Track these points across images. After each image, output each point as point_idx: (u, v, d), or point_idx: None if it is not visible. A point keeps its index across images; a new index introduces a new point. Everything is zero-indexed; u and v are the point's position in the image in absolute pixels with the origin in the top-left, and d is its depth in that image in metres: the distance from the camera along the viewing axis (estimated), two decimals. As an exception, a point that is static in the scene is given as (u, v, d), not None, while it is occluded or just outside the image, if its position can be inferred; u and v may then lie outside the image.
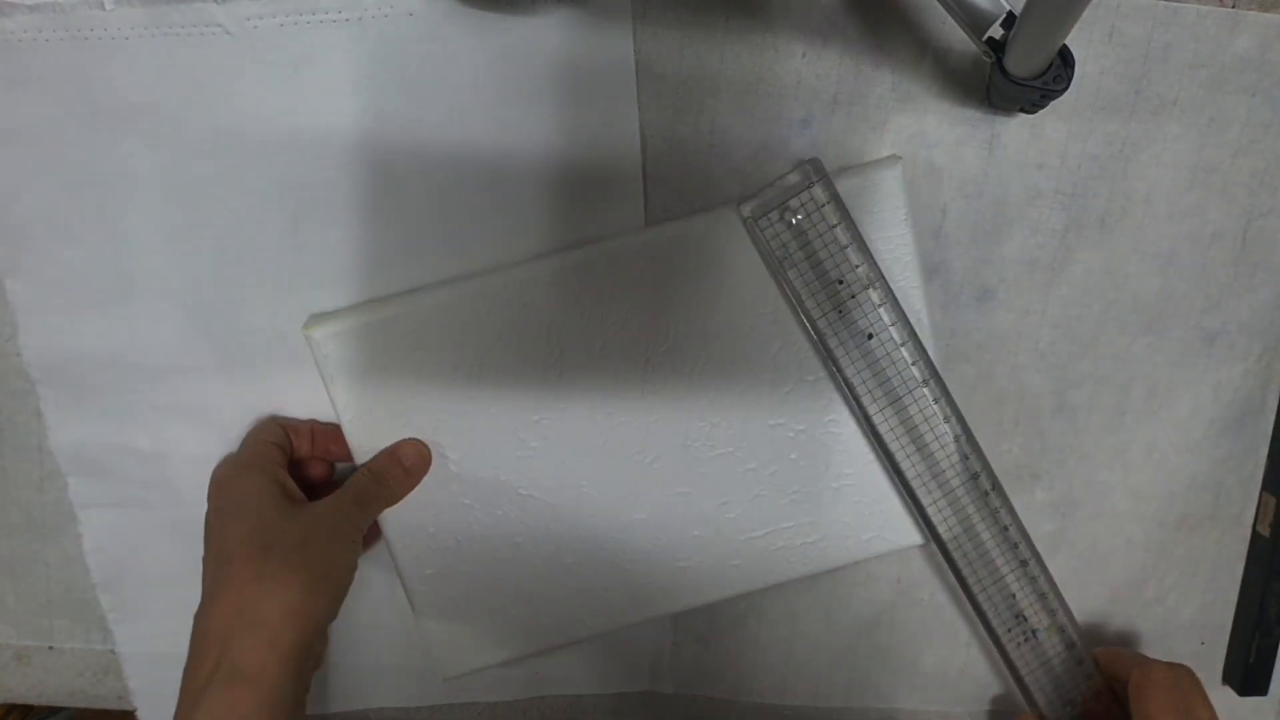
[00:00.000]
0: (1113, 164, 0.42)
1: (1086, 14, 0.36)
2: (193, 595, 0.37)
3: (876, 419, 0.41)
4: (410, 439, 0.41)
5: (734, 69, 0.40)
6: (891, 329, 0.40)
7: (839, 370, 0.40)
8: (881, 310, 0.40)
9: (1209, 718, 0.39)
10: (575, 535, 0.43)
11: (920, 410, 0.41)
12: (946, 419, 0.41)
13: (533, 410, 0.41)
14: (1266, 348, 0.44)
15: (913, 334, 0.40)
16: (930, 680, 0.47)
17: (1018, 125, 0.41)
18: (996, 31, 0.36)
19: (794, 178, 0.39)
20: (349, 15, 0.38)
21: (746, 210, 0.39)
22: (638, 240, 0.40)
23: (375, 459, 0.41)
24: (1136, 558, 0.46)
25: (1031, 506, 0.45)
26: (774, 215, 0.39)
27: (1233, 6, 0.40)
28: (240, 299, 0.41)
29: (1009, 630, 0.43)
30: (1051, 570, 0.44)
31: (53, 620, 0.46)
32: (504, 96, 0.39)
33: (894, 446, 0.41)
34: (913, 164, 0.41)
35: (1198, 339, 0.44)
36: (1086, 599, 0.46)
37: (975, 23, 0.36)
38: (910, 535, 0.43)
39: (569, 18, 0.38)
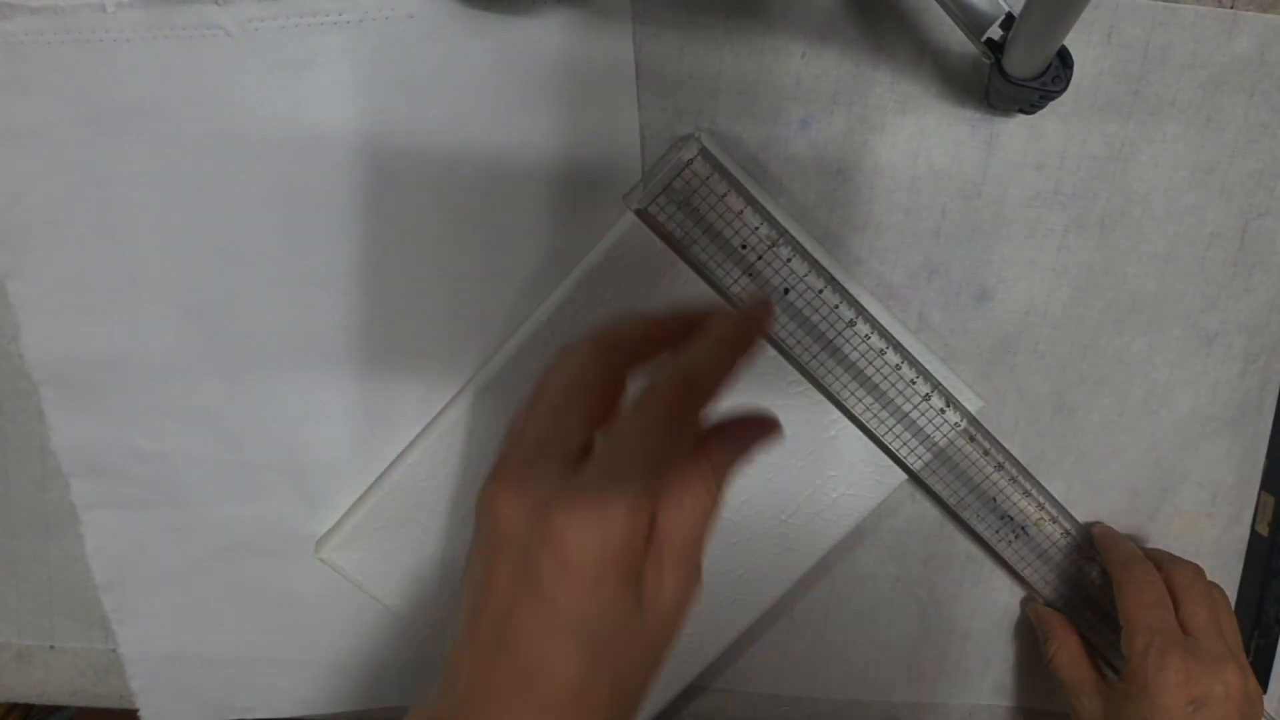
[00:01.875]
0: (1111, 164, 0.42)
1: (1085, 15, 0.37)
2: (194, 595, 0.37)
3: (815, 369, 0.41)
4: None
5: (734, 69, 0.40)
6: (806, 279, 0.40)
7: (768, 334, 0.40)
8: (791, 264, 0.40)
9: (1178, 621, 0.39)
10: None
11: (856, 349, 0.41)
12: (882, 351, 0.41)
13: None
14: (1265, 347, 0.44)
15: (830, 279, 0.41)
16: (927, 674, 0.47)
17: (1016, 126, 0.41)
18: (995, 32, 0.36)
19: (672, 157, 0.39)
20: (350, 17, 0.38)
21: (634, 202, 0.39)
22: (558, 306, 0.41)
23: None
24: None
25: (1031, 506, 0.45)
26: (662, 200, 0.39)
27: (1231, 7, 0.40)
28: (241, 300, 0.41)
29: (998, 533, 0.44)
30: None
31: (54, 620, 0.46)
32: (505, 98, 0.39)
33: (841, 392, 0.41)
34: (912, 164, 0.41)
35: (1196, 339, 0.44)
36: (1086, 598, 0.47)
37: (974, 24, 0.36)
38: (893, 475, 0.44)
39: (569, 19, 0.38)
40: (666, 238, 0.39)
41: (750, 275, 0.40)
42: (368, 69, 0.38)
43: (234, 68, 0.38)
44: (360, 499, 0.43)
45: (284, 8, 0.38)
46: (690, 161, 0.39)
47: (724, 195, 0.39)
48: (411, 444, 0.42)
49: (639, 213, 0.39)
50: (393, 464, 0.43)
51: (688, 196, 0.39)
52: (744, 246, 0.39)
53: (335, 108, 0.39)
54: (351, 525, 0.43)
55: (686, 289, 0.41)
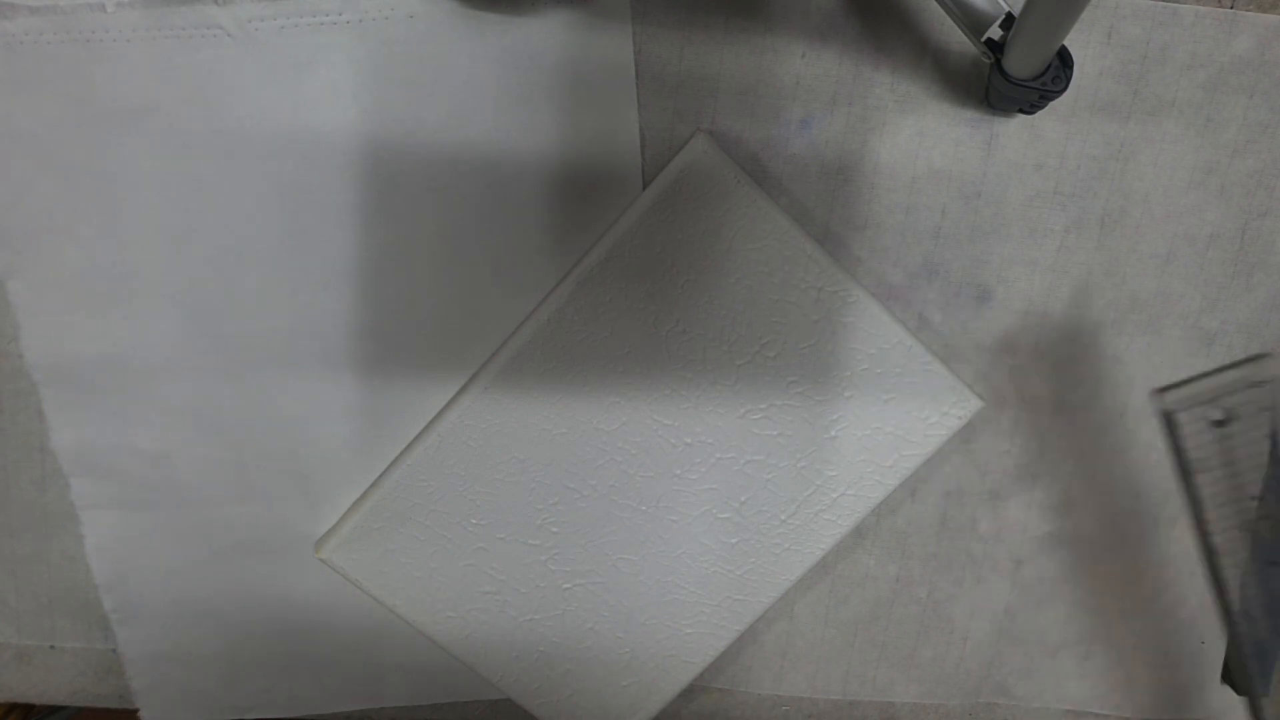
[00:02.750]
0: (1111, 164, 0.42)
1: (1085, 15, 0.37)
2: (194, 595, 0.37)
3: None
4: None
5: (734, 69, 0.40)
6: None
7: (1226, 603, 0.35)
8: None
9: None
10: (626, 605, 0.44)
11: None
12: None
13: (545, 502, 0.43)
14: (1265, 347, 0.44)
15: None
16: (927, 674, 0.47)
17: (1017, 126, 0.41)
18: (995, 32, 0.36)
19: (1233, 374, 0.34)
20: (349, 18, 0.38)
21: (1169, 401, 0.35)
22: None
23: None
24: (1135, 557, 0.46)
25: (1031, 506, 0.45)
26: (1197, 411, 0.34)
27: (1231, 7, 0.40)
28: (241, 299, 0.41)
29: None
30: (1051, 569, 0.44)
31: (54, 620, 0.46)
32: (504, 98, 0.39)
33: None
34: (912, 164, 0.41)
35: (1196, 339, 0.44)
36: (1086, 598, 0.46)
37: (974, 24, 0.36)
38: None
39: (569, 19, 0.39)
40: (1178, 453, 0.35)
41: (1241, 531, 0.36)
42: (367, 69, 0.38)
43: (234, 68, 0.38)
44: (360, 499, 0.43)
45: (283, 7, 0.38)
46: (1255, 385, 0.34)
47: (1266, 434, 0.35)
48: (411, 444, 0.42)
49: (1163, 415, 0.34)
50: (393, 464, 0.43)
51: (1228, 422, 0.35)
52: (1255, 498, 0.35)
53: (335, 108, 0.39)
54: (351, 525, 0.43)
55: (686, 293, 0.41)
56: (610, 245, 0.40)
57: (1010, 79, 0.36)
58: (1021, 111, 0.40)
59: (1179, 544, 0.46)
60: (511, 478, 0.42)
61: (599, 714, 0.46)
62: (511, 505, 0.43)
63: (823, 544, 0.44)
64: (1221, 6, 0.40)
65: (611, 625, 0.45)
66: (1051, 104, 0.39)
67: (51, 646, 0.47)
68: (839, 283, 0.41)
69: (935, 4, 0.37)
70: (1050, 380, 0.44)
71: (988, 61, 0.37)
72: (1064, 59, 0.36)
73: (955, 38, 0.40)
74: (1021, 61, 0.35)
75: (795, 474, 0.43)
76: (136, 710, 0.47)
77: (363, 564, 0.43)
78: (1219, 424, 0.33)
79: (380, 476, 0.43)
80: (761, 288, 0.41)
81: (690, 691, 0.47)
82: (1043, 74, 0.36)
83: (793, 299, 0.41)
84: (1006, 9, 0.35)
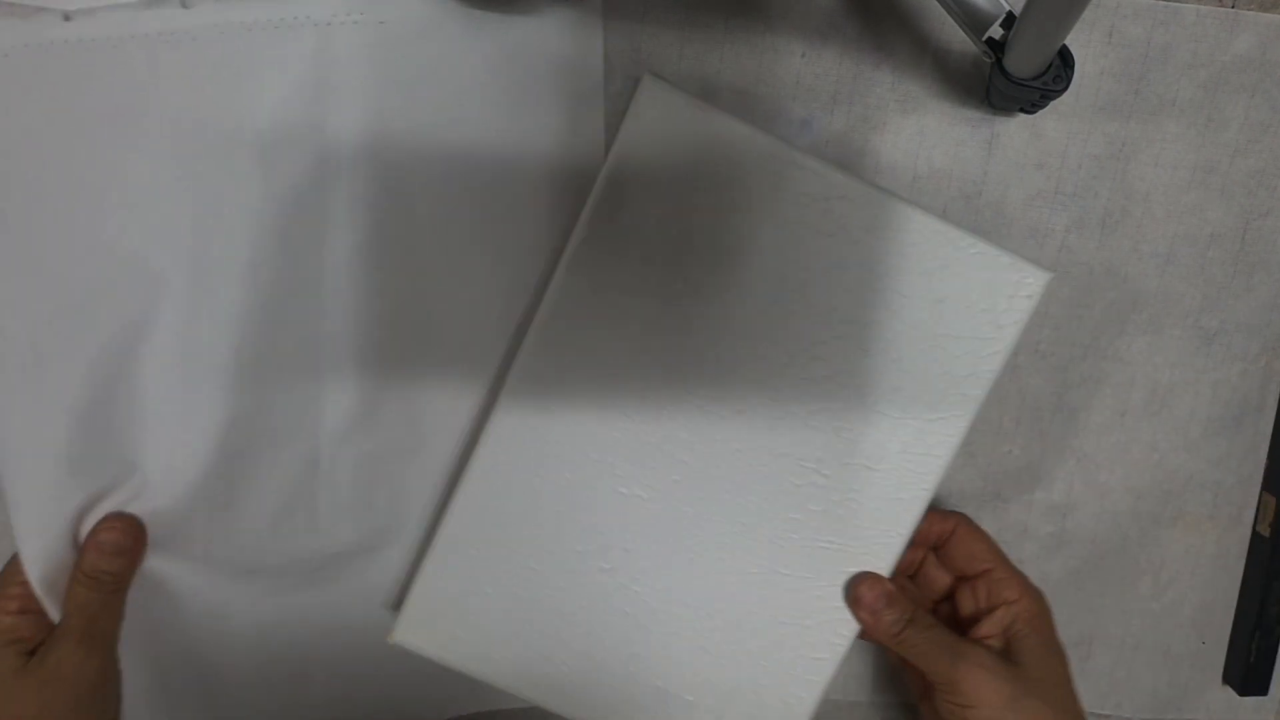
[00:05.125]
0: (1112, 164, 0.42)
1: (1086, 14, 0.37)
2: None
3: None
4: (107, 520, 0.38)
5: (734, 69, 0.40)
6: None
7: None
8: None
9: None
10: (732, 613, 0.40)
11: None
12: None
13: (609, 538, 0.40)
14: (1265, 347, 0.44)
15: None
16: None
17: (1017, 125, 0.41)
18: (996, 32, 0.36)
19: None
20: (318, 20, 0.37)
21: None
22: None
23: (82, 557, 0.38)
24: (1136, 557, 0.46)
25: (1031, 506, 0.45)
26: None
27: (1232, 6, 0.40)
28: (240, 311, 0.40)
29: None
30: (1051, 570, 0.44)
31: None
32: (489, 100, 0.39)
33: None
34: (913, 164, 0.41)
35: (1197, 339, 0.44)
36: (1085, 598, 0.46)
37: (975, 23, 0.36)
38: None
39: (543, 23, 0.38)
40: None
41: None
42: (359, 70, 0.38)
43: (225, 69, 0.38)
44: (415, 571, 0.40)
45: (272, 10, 0.37)
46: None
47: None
48: (447, 499, 0.40)
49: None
50: (436, 523, 0.40)
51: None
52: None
53: (329, 109, 0.38)
54: (414, 603, 0.40)
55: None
56: (588, 219, 0.38)
57: (1011, 78, 0.36)
58: (1022, 111, 0.40)
59: (1179, 544, 0.46)
60: (561, 503, 0.39)
61: None
62: (570, 532, 0.39)
63: (925, 486, 0.39)
64: (1223, 6, 0.40)
65: (721, 643, 0.40)
66: (1052, 103, 0.39)
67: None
68: (844, 186, 0.37)
69: (936, 3, 0.37)
70: (1050, 380, 0.44)
71: (989, 61, 0.37)
72: (1065, 58, 0.36)
73: (956, 37, 0.40)
74: (1022, 61, 0.35)
75: (865, 414, 0.39)
76: None
77: (439, 638, 0.40)
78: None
79: (428, 540, 0.40)
80: (762, 219, 0.37)
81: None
82: (1044, 73, 0.36)
83: (800, 218, 0.37)
84: (1007, 8, 0.35)
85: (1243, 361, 0.44)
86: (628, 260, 0.38)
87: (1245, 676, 0.47)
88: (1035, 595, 0.39)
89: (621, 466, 0.39)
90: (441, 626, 0.40)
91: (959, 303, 0.38)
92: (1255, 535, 0.47)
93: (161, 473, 0.39)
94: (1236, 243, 0.43)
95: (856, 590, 0.39)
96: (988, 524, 0.45)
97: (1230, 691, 0.48)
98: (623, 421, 0.39)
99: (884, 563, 0.40)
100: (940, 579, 0.42)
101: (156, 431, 0.40)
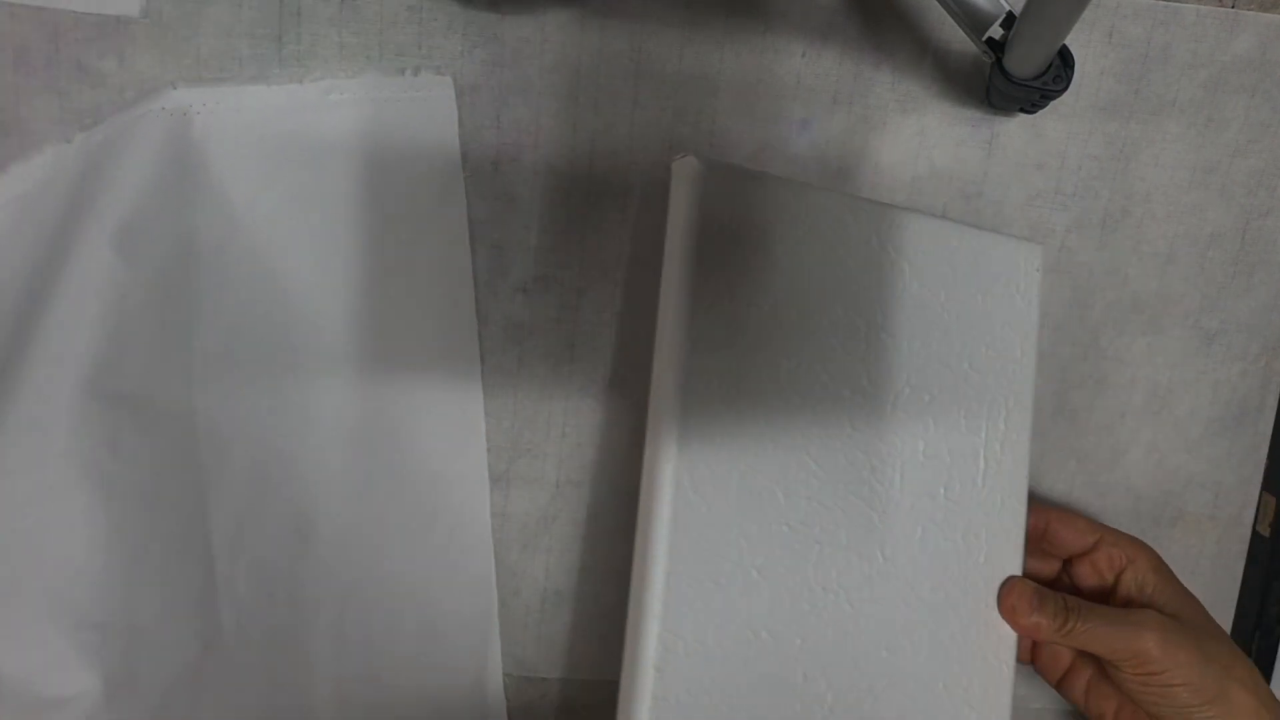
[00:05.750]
0: (1112, 164, 0.42)
1: (1086, 14, 0.37)
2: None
3: None
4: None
5: (734, 69, 0.40)
6: None
7: None
8: None
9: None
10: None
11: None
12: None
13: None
14: (1265, 347, 0.44)
15: None
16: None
17: (1017, 125, 0.41)
18: (996, 32, 0.36)
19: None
20: (175, 109, 0.37)
21: None
22: None
23: None
24: (1136, 558, 0.46)
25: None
26: None
27: (1232, 6, 0.40)
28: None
29: None
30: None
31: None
32: (329, 181, 0.38)
33: None
34: (913, 164, 0.41)
35: (1197, 339, 0.44)
36: (1086, 599, 0.46)
37: (975, 23, 0.36)
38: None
39: (399, 103, 0.38)
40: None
41: None
42: (219, 156, 0.37)
43: (86, 161, 0.37)
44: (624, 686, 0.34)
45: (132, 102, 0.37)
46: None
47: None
48: (639, 592, 0.34)
49: None
50: (633, 626, 0.34)
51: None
52: None
53: (190, 197, 0.37)
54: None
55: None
56: (679, 317, 0.35)
57: (1011, 78, 0.36)
58: (1023, 111, 0.40)
59: (1179, 544, 0.46)
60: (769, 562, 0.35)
61: None
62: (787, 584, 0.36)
63: (1019, 485, 0.40)
64: (1223, 6, 0.40)
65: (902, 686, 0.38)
66: (1053, 103, 0.39)
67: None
68: (883, 215, 0.38)
69: (936, 3, 0.37)
70: (1050, 380, 0.44)
71: (989, 61, 0.37)
72: (1065, 58, 0.36)
73: (956, 37, 0.40)
74: (1022, 61, 0.35)
75: (948, 433, 0.39)
76: None
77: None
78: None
79: (629, 655, 0.34)
80: (829, 274, 0.37)
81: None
82: (1044, 73, 0.36)
83: (860, 260, 0.37)
84: (1007, 8, 0.35)
85: (1243, 361, 0.44)
86: (729, 349, 0.35)
87: (1245, 677, 0.47)
88: (1144, 546, 0.40)
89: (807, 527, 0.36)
90: None
91: (995, 298, 0.39)
92: (1255, 535, 0.47)
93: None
94: (1236, 243, 0.43)
95: (1007, 603, 0.39)
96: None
97: (1230, 692, 0.48)
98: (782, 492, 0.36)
99: (1015, 565, 0.40)
100: (1043, 569, 0.42)
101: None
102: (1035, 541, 0.41)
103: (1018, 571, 0.40)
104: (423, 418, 0.40)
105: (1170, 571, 0.40)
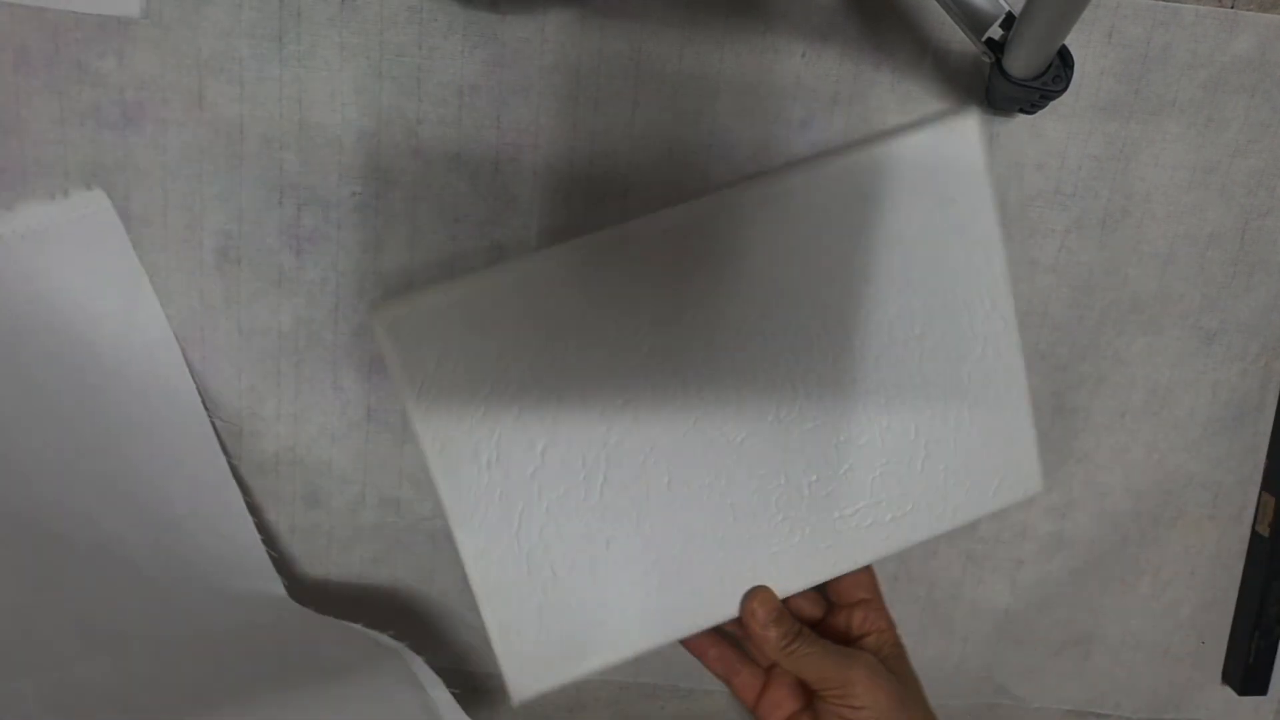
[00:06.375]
0: (1112, 164, 0.42)
1: (1086, 14, 0.37)
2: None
3: None
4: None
5: (734, 69, 0.40)
6: None
7: None
8: None
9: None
10: (663, 529, 0.39)
11: None
12: None
13: (618, 394, 0.39)
14: (1265, 347, 0.44)
15: None
16: (927, 674, 0.47)
17: (1017, 125, 0.41)
18: (996, 32, 0.36)
19: None
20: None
21: None
22: (719, 202, 0.38)
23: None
24: (1135, 557, 0.46)
25: (1031, 506, 0.45)
26: None
27: (1232, 6, 0.40)
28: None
29: None
30: (1051, 570, 0.44)
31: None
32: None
33: None
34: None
35: (1196, 339, 0.44)
36: (1085, 598, 0.46)
37: (975, 23, 0.36)
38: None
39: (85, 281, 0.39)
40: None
41: None
42: None
43: None
44: (443, 287, 0.38)
45: None
46: None
47: None
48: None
49: None
50: (485, 271, 0.38)
51: None
52: None
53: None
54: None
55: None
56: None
57: (1011, 79, 0.36)
58: (1022, 111, 0.40)
59: (1179, 544, 0.46)
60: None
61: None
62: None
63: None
64: (1222, 6, 0.40)
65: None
66: (1052, 104, 0.39)
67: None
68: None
69: (936, 4, 0.37)
70: (1050, 380, 0.44)
71: (988, 61, 0.37)
72: (1064, 58, 0.36)
73: (956, 37, 0.40)
74: (1022, 61, 0.35)
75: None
76: None
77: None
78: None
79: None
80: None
81: (689, 692, 0.47)
82: (1043, 74, 0.36)
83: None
84: (1007, 8, 0.35)
85: (1243, 361, 0.44)
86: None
87: (1244, 676, 0.47)
88: (896, 630, 0.42)
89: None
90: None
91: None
92: (1255, 535, 0.47)
93: None
94: (1236, 243, 0.43)
95: (750, 605, 0.40)
96: (986, 524, 0.45)
97: (1229, 691, 0.48)
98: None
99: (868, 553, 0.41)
100: (806, 609, 0.42)
101: None
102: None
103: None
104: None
105: (907, 661, 0.41)
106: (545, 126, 0.40)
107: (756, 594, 0.40)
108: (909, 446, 0.40)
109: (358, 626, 0.40)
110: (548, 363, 0.38)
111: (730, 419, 0.39)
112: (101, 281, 0.40)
